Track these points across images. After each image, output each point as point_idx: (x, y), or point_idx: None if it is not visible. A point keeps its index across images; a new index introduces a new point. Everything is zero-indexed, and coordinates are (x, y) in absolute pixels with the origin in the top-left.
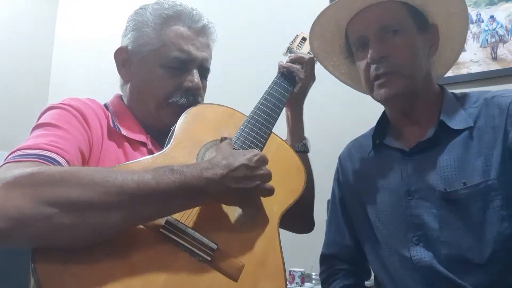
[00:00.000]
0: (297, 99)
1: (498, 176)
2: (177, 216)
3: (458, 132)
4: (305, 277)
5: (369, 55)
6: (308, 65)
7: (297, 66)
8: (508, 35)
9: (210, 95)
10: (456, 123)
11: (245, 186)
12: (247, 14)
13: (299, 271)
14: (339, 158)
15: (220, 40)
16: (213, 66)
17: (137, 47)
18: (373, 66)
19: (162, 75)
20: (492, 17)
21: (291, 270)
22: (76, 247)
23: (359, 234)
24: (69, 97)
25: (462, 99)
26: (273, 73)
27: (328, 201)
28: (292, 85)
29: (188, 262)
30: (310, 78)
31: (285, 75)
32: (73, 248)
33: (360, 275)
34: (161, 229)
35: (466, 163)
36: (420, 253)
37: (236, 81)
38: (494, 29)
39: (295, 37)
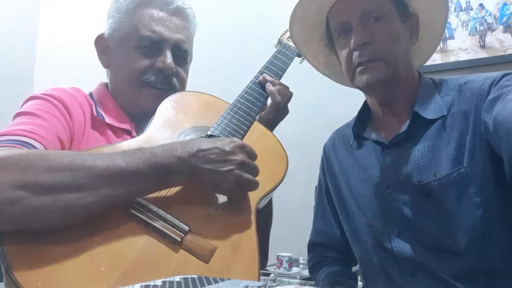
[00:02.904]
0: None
1: (470, 163)
2: (150, 198)
3: (433, 121)
4: (292, 262)
5: (352, 41)
6: (283, 99)
7: (273, 89)
8: (496, 23)
9: (200, 85)
10: (430, 112)
11: (216, 168)
12: (240, 5)
13: (286, 256)
14: (324, 148)
15: (212, 31)
16: (205, 57)
17: (112, 33)
18: (355, 53)
19: (135, 56)
20: (481, 5)
21: (279, 255)
22: (48, 230)
23: (343, 224)
24: (52, 87)
25: (440, 86)
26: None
27: (316, 187)
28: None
29: (158, 242)
30: (283, 110)
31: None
32: (45, 230)
33: (347, 262)
34: (131, 210)
35: (439, 152)
36: (401, 245)
37: (227, 72)
38: (482, 17)
39: (286, 30)
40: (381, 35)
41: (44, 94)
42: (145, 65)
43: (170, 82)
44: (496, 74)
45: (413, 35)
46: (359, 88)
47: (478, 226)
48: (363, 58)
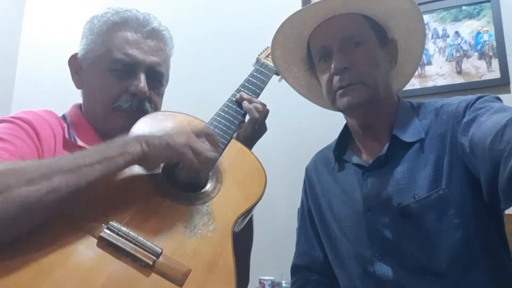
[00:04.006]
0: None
1: (448, 184)
2: (121, 220)
3: (411, 144)
4: (275, 285)
5: (332, 66)
6: (260, 116)
7: (250, 106)
8: (471, 50)
9: (179, 102)
10: (409, 135)
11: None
12: (217, 23)
13: (269, 279)
14: (306, 170)
15: (191, 50)
16: (181, 75)
17: (85, 54)
18: (336, 78)
19: (108, 80)
20: (457, 32)
21: (261, 279)
22: (14, 235)
23: (325, 247)
24: (23, 110)
25: (418, 109)
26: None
27: (299, 209)
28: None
29: (129, 266)
30: (261, 127)
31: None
32: (14, 237)
33: (331, 285)
34: (101, 234)
35: (417, 175)
36: (383, 268)
37: (206, 90)
38: (458, 44)
39: (266, 48)
40: (361, 60)
41: (12, 117)
42: (118, 90)
43: (142, 107)
44: (471, 97)
45: (392, 60)
46: (340, 110)
47: (459, 247)
48: (343, 82)
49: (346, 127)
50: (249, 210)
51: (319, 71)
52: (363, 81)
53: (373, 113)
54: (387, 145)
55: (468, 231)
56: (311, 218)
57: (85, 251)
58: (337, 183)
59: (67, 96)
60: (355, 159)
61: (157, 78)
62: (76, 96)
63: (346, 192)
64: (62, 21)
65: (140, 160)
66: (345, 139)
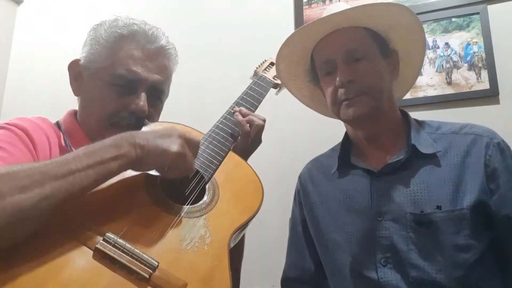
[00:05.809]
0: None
1: (471, 208)
2: (118, 232)
3: (427, 156)
4: None
5: (337, 79)
6: (255, 129)
7: (241, 119)
8: (461, 61)
9: (178, 114)
10: (424, 147)
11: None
12: (218, 35)
13: None
14: (299, 178)
15: (188, 62)
16: (181, 86)
17: (88, 63)
18: (341, 90)
19: (108, 94)
20: (447, 44)
21: None
22: (6, 245)
23: (321, 257)
24: (17, 117)
25: (422, 124)
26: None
27: (290, 219)
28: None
29: (125, 279)
30: (255, 140)
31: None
32: (6, 247)
33: None
34: (97, 245)
35: (438, 188)
36: (388, 275)
37: (204, 102)
38: (448, 55)
39: (263, 61)
40: (365, 72)
41: (7, 124)
42: (118, 106)
43: (140, 124)
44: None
45: (394, 70)
46: (345, 121)
47: (469, 265)
48: (349, 95)
49: (346, 136)
50: (246, 224)
51: (324, 83)
52: (368, 93)
53: (377, 124)
54: (403, 152)
55: (479, 253)
56: (305, 227)
57: (80, 262)
58: (339, 189)
59: (58, 102)
60: (362, 164)
61: (157, 95)
62: (68, 103)
63: (350, 197)
64: (55, 26)
65: (134, 164)
66: (347, 146)
